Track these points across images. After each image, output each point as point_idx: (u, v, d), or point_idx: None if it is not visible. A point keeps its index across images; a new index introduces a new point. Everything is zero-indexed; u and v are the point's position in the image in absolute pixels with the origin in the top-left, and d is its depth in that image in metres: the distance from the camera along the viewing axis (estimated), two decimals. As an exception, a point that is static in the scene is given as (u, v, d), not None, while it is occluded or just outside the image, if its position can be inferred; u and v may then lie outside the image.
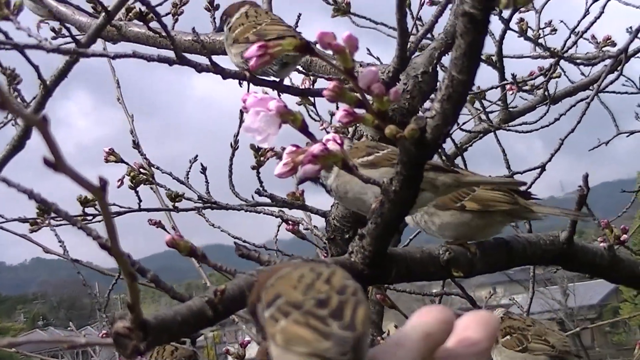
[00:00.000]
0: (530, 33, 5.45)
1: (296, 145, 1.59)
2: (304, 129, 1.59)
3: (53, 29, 4.02)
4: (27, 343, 2.10)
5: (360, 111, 1.53)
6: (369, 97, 1.48)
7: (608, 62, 4.78)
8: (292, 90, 2.96)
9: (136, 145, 4.04)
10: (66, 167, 1.13)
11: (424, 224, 2.61)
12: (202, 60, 2.74)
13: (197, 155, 4.10)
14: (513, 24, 5.26)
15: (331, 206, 3.09)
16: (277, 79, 2.88)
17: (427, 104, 3.04)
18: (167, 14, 3.91)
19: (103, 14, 3.09)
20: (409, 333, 1.02)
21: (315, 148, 1.56)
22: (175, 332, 1.67)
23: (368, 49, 4.43)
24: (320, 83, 3.31)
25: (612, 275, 2.75)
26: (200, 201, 3.95)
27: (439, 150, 4.44)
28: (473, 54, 1.46)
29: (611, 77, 4.85)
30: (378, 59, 3.64)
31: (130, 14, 3.76)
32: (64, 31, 3.40)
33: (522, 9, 5.56)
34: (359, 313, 1.02)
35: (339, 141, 1.60)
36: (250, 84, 2.85)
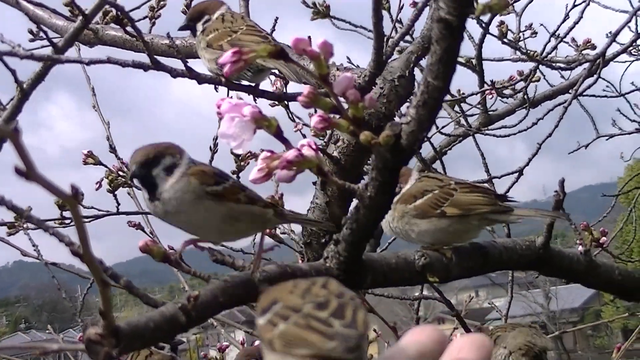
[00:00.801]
0: (510, 36, 5.47)
1: (271, 151, 1.59)
2: (278, 134, 1.59)
3: (31, 32, 3.99)
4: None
5: (335, 117, 1.52)
6: (344, 102, 1.47)
7: (587, 65, 4.79)
8: (268, 95, 2.94)
9: (113, 149, 4.03)
10: (37, 175, 1.12)
11: (405, 233, 2.60)
12: (178, 65, 2.73)
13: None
14: (494, 27, 5.28)
15: (307, 210, 3.08)
16: (252, 84, 2.86)
17: (403, 108, 3.03)
18: (144, 18, 3.90)
19: (80, 17, 3.07)
20: (402, 351, 1.02)
21: (290, 154, 1.55)
22: (148, 339, 1.66)
23: (348, 58, 4.42)
24: (294, 87, 3.30)
25: (589, 280, 2.75)
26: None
27: (417, 155, 4.44)
28: (449, 60, 1.46)
29: (590, 81, 4.87)
30: (358, 66, 3.62)
31: (107, 18, 3.73)
32: (42, 34, 3.36)
33: (502, 12, 5.58)
34: (359, 315, 1.03)
35: (314, 146, 1.59)
36: (227, 89, 2.84)
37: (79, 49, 4.07)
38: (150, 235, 4.28)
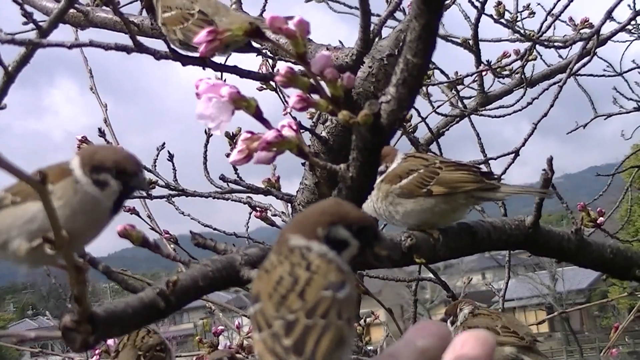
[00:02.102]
0: (507, 16, 5.44)
1: (251, 132, 1.56)
2: (258, 115, 1.56)
3: (24, 15, 3.97)
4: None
5: (314, 96, 1.50)
6: (322, 82, 1.45)
7: (582, 44, 4.76)
8: (253, 75, 2.91)
9: (102, 133, 4.02)
10: (3, 161, 1.10)
11: (388, 214, 2.58)
12: (164, 47, 2.71)
13: (164, 143, 4.10)
14: (490, 7, 5.25)
15: (297, 191, 3.07)
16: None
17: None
18: (135, 0, 3.89)
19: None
20: (405, 347, 1.02)
21: (269, 135, 1.52)
22: (127, 325, 1.64)
23: (340, 41, 4.39)
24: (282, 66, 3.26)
25: (580, 260, 2.72)
26: (168, 188, 3.93)
27: (413, 136, 4.42)
28: (428, 37, 1.43)
29: (587, 60, 4.83)
30: (344, 45, 3.60)
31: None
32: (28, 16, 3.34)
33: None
34: (322, 344, 1.04)
35: (294, 127, 1.57)
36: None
37: (76, 31, 4.05)
38: (148, 219, 4.29)
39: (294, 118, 3.80)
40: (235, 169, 3.66)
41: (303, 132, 2.81)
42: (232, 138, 3.66)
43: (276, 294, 1.11)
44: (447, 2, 4.44)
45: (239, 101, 1.54)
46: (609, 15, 4.53)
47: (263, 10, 3.43)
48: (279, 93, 3.90)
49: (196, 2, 2.93)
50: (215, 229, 4.29)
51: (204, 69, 2.82)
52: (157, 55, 2.66)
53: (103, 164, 1.96)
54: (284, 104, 3.95)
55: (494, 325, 3.13)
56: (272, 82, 3.59)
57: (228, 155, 3.55)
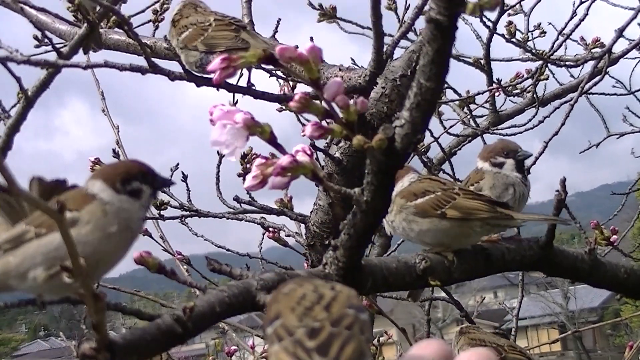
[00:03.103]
0: (519, 36, 5.45)
1: (266, 157, 1.57)
2: (272, 140, 1.57)
3: (36, 37, 4.00)
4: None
5: (329, 122, 1.51)
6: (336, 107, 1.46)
7: (594, 63, 4.75)
8: (267, 96, 2.92)
9: (116, 154, 4.04)
10: (20, 191, 1.11)
11: (402, 230, 2.59)
12: (178, 68, 2.73)
13: (178, 164, 4.11)
14: (502, 27, 5.26)
15: (310, 212, 3.07)
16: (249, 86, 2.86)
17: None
18: (148, 22, 3.90)
19: (85, 24, 3.07)
20: None
21: (284, 160, 1.53)
22: (145, 351, 1.65)
23: (352, 59, 4.39)
24: (302, 88, 3.29)
25: (594, 280, 2.70)
26: (182, 209, 3.94)
27: (426, 157, 4.42)
28: (440, 61, 1.43)
29: (598, 78, 4.83)
30: (356, 63, 3.60)
31: (110, 22, 3.74)
32: (47, 40, 3.36)
33: (510, 12, 5.57)
34: (346, 350, 1.04)
35: (308, 152, 1.58)
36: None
37: (88, 54, 4.08)
38: (161, 240, 4.29)
39: (311, 138, 3.84)
40: (248, 190, 3.67)
41: (317, 153, 2.82)
42: (243, 158, 3.67)
43: (300, 307, 1.12)
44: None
45: (253, 127, 1.55)
46: (620, 34, 4.53)
47: (275, 31, 3.45)
48: (297, 114, 3.90)
49: (210, 15, 2.96)
50: (228, 250, 4.29)
51: (217, 90, 2.84)
52: (172, 76, 2.68)
53: (130, 174, 2.00)
54: (302, 124, 3.97)
55: (497, 341, 3.12)
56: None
57: (240, 176, 3.57)
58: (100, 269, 1.96)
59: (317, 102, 1.50)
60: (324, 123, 1.52)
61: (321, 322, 1.08)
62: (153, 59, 2.68)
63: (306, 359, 1.03)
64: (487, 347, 3.02)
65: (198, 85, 2.77)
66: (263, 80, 3.08)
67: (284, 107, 3.72)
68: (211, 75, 1.57)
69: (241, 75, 2.88)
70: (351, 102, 1.47)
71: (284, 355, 1.05)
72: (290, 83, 3.35)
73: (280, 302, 1.15)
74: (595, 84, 4.95)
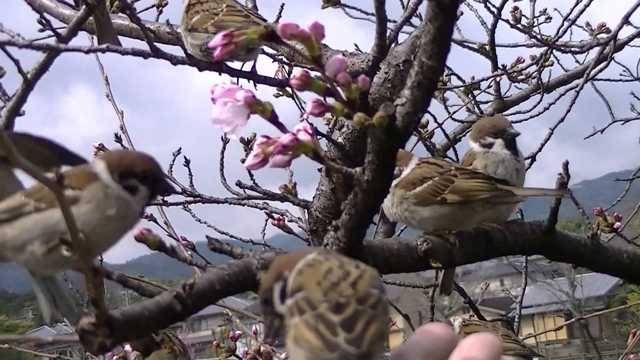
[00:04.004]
0: (524, 21, 5.43)
1: (267, 136, 1.57)
2: (273, 119, 1.57)
3: (40, 22, 4.00)
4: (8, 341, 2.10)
5: (330, 100, 1.50)
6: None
7: (599, 49, 4.74)
8: (270, 80, 2.93)
9: (118, 139, 4.04)
10: (19, 161, 1.11)
11: (405, 220, 2.60)
12: (180, 52, 2.72)
13: (180, 149, 4.11)
14: (507, 13, 5.25)
15: (313, 197, 3.06)
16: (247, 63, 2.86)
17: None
18: (152, 6, 3.91)
19: (84, 6, 3.07)
20: (411, 349, 1.03)
21: (285, 138, 1.53)
22: (143, 328, 1.65)
23: (356, 45, 4.38)
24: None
25: (596, 265, 2.70)
26: (184, 194, 3.94)
27: (430, 142, 4.41)
28: (442, 40, 1.43)
29: (603, 64, 4.82)
30: (360, 49, 3.59)
31: (113, 7, 3.73)
32: (46, 22, 3.36)
33: (516, -2, 5.55)
34: (370, 329, 1.04)
35: (309, 131, 1.57)
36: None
37: (92, 38, 4.07)
38: (165, 225, 4.30)
39: (311, 124, 3.83)
40: (251, 175, 3.67)
41: (319, 138, 2.81)
42: (247, 144, 3.67)
43: (326, 281, 1.10)
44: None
45: (254, 105, 1.54)
46: (626, 20, 4.51)
47: (279, 16, 3.45)
48: (296, 99, 3.91)
49: (224, 3, 2.96)
50: (232, 237, 4.29)
51: (220, 74, 2.84)
52: (174, 60, 2.68)
53: (131, 170, 1.98)
54: (301, 110, 3.95)
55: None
56: (288, 88, 3.60)
57: (244, 162, 3.57)
58: (93, 250, 1.96)
59: (319, 80, 1.49)
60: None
61: (347, 298, 1.07)
62: (156, 44, 2.68)
63: (327, 333, 1.02)
64: (491, 332, 3.02)
65: (200, 70, 2.77)
66: (265, 67, 3.08)
67: (280, 93, 3.73)
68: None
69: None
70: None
71: (304, 328, 1.04)
72: (287, 68, 3.34)
73: (304, 274, 1.13)
74: (601, 71, 4.94)
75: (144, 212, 2.04)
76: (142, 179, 1.98)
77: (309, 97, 1.49)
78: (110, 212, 1.93)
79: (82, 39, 4.00)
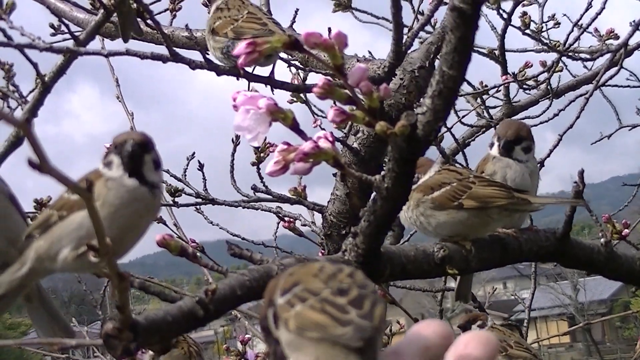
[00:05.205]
0: (533, 27, 5.44)
1: (287, 143, 1.58)
2: (294, 127, 1.58)
3: (52, 26, 4.01)
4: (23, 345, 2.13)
5: (351, 109, 1.52)
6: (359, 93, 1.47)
7: (609, 55, 4.74)
8: (286, 86, 2.94)
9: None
10: (51, 168, 1.12)
11: (420, 224, 2.61)
12: (198, 56, 2.74)
13: (194, 153, 4.13)
14: (516, 18, 5.25)
15: (328, 202, 3.07)
16: (266, 70, 2.89)
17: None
18: (165, 10, 3.91)
19: (102, 11, 3.09)
20: (408, 345, 1.03)
21: (306, 146, 1.54)
22: (166, 333, 1.66)
23: (370, 52, 4.40)
24: (314, 79, 3.30)
25: (609, 272, 2.71)
26: (197, 198, 3.95)
27: (438, 147, 4.42)
28: (463, 49, 1.45)
29: (613, 71, 4.82)
30: (371, 52, 3.61)
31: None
32: (63, 28, 3.38)
33: (525, 3, 5.56)
34: (377, 309, 1.02)
35: (330, 138, 1.58)
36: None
37: (103, 41, 4.09)
38: (174, 227, 4.30)
39: (323, 129, 3.85)
40: (261, 178, 3.68)
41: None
42: (257, 147, 3.68)
43: (322, 274, 1.09)
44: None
45: (276, 113, 1.56)
46: (637, 28, 4.51)
47: (293, 21, 3.46)
48: (309, 105, 3.92)
49: (244, 9, 2.99)
50: (243, 238, 4.31)
51: (238, 79, 2.86)
52: (193, 65, 2.70)
53: (109, 148, 2.08)
54: (313, 116, 3.97)
55: (508, 340, 3.16)
56: (302, 95, 3.61)
57: (254, 165, 3.58)
58: (119, 246, 1.99)
59: (340, 89, 1.50)
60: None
61: (348, 284, 1.06)
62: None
63: (337, 312, 1.00)
64: (487, 330, 3.04)
65: (218, 74, 2.79)
66: (279, 71, 3.09)
67: (294, 99, 3.74)
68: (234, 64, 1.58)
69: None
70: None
71: (309, 312, 1.02)
72: (301, 74, 3.36)
73: (296, 274, 1.12)
74: (610, 77, 4.93)
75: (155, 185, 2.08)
76: (115, 150, 2.06)
77: (321, 104, 1.50)
78: (115, 203, 1.99)
79: (95, 41, 4.03)
